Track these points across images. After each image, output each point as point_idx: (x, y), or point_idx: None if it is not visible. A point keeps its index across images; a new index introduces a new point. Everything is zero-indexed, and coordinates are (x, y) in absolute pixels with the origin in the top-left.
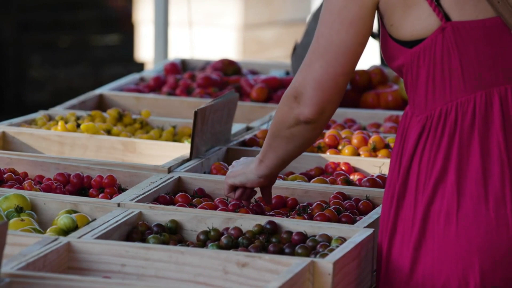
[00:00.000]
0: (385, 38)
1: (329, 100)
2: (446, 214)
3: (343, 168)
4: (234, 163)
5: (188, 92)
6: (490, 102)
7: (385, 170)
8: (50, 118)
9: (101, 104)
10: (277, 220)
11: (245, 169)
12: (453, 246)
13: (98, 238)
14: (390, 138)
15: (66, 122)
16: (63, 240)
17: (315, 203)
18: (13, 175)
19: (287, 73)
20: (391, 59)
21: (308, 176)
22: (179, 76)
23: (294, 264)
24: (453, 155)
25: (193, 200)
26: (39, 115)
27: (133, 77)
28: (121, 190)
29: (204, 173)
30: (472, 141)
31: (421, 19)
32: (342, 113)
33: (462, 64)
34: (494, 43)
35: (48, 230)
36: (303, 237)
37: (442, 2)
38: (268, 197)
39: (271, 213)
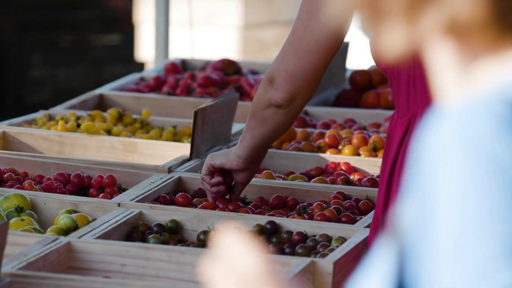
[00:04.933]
0: (371, 40)
1: (299, 91)
2: None
3: (343, 168)
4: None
5: (188, 92)
6: None
7: None
8: (50, 118)
9: (101, 104)
10: (277, 220)
11: (226, 151)
12: None
13: (98, 238)
14: None
15: (66, 122)
16: (63, 240)
17: (315, 203)
18: (13, 175)
19: None
20: (377, 61)
21: (308, 176)
22: (180, 76)
23: (294, 264)
24: None
25: (194, 200)
26: (39, 115)
27: (133, 77)
28: (121, 190)
29: None
30: None
31: None
32: (342, 113)
33: None
34: None
35: (48, 230)
36: (303, 237)
37: None
38: (237, 192)
39: (271, 213)
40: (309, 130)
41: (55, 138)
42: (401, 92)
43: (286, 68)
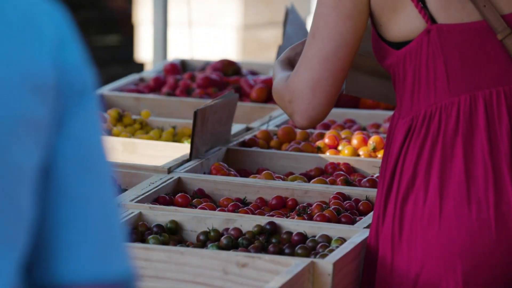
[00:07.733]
0: (375, 37)
1: (325, 103)
2: (429, 215)
3: (343, 168)
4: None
5: (188, 92)
6: (474, 105)
7: None
8: None
9: (101, 104)
10: (277, 220)
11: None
12: (435, 248)
13: None
14: None
15: None
16: None
17: (315, 204)
18: None
19: None
20: (381, 58)
21: (307, 177)
22: (179, 77)
23: (294, 264)
24: (436, 157)
25: (193, 201)
26: None
27: (132, 77)
28: (121, 190)
29: (204, 173)
30: (456, 144)
31: (408, 21)
32: (342, 114)
33: (447, 66)
34: (479, 46)
35: None
36: (303, 237)
37: (428, 5)
38: None
39: (271, 213)
40: (308, 130)
41: None
42: (405, 91)
43: (313, 75)
